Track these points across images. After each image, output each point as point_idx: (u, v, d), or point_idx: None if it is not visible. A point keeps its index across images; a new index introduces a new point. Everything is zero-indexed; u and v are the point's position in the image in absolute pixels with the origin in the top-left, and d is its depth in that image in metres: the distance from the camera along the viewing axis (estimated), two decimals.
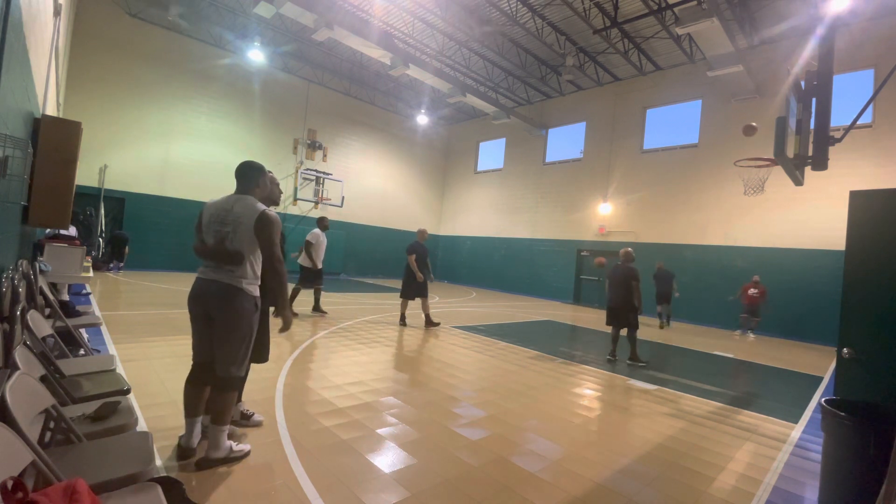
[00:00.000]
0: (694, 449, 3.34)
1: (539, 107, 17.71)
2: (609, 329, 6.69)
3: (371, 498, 2.28)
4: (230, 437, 2.61)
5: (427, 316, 7.81)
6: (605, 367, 5.97)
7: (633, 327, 6.22)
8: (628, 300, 6.15)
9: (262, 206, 2.49)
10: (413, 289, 7.65)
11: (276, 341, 5.63)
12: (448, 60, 14.75)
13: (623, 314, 6.22)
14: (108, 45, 12.37)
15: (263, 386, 3.89)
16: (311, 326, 6.92)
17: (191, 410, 2.52)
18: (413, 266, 7.54)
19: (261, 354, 2.95)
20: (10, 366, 1.73)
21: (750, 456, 3.29)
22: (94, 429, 1.91)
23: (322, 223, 8.22)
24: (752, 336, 10.65)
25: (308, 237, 8.04)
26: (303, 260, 8.07)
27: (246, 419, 3.05)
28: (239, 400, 3.04)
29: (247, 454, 2.57)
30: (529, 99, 17.67)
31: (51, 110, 6.49)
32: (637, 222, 14.27)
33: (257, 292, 2.53)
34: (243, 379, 2.69)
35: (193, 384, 2.53)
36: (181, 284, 10.21)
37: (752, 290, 10.81)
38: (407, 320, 7.88)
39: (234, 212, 2.44)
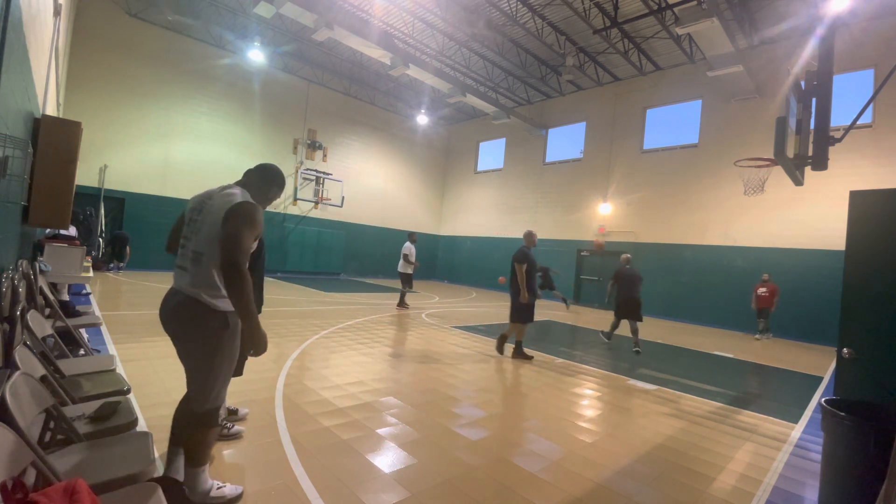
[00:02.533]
0: (694, 449, 3.34)
1: (539, 107, 17.71)
2: (612, 319, 7.60)
3: (371, 498, 2.28)
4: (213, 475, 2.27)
5: (519, 343, 5.99)
6: (605, 367, 5.97)
7: (641, 319, 7.27)
8: (638, 297, 7.30)
9: (242, 197, 2.00)
10: (524, 309, 5.86)
11: (276, 341, 5.62)
12: (448, 60, 14.74)
13: (639, 308, 7.24)
14: (108, 45, 12.36)
15: (263, 386, 3.89)
16: (310, 326, 6.92)
17: (174, 437, 2.26)
18: (521, 279, 5.74)
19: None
20: (10, 366, 1.73)
21: (750, 456, 3.29)
22: (94, 429, 1.91)
23: (412, 237, 10.20)
24: (762, 338, 10.16)
25: (405, 250, 9.98)
26: (401, 267, 10.01)
27: (233, 414, 3.06)
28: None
29: (235, 500, 2.11)
30: (529, 99, 17.67)
31: (51, 110, 6.49)
32: (637, 222, 14.27)
33: (227, 306, 1.95)
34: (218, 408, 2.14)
35: (180, 408, 2.28)
36: None
37: (761, 290, 10.26)
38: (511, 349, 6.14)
39: (212, 200, 2.00)
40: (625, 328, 7.92)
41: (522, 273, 5.74)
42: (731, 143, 12.13)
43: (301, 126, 16.81)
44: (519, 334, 5.99)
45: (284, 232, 16.36)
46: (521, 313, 5.88)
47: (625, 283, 7.34)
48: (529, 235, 6.17)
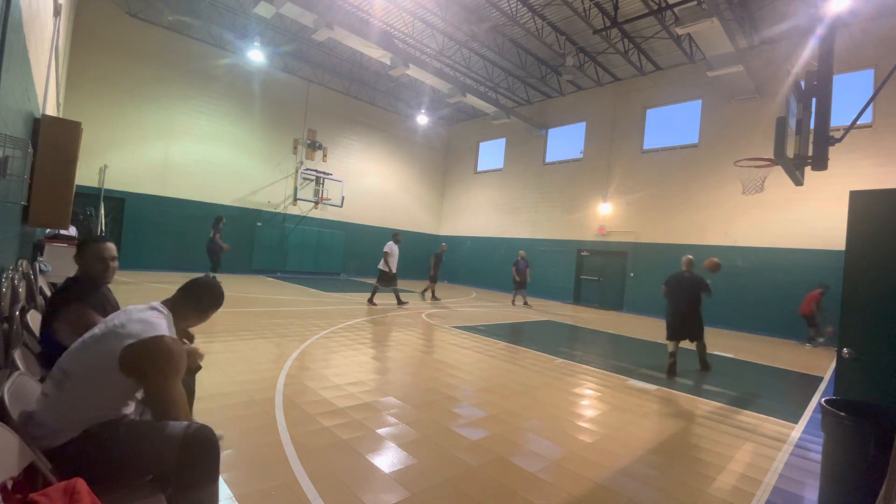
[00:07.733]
0: (694, 449, 3.34)
1: (539, 107, 17.70)
2: (669, 344, 6.14)
3: (371, 498, 2.28)
4: None
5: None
6: (605, 367, 5.97)
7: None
8: (698, 310, 6.10)
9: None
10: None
11: (276, 342, 5.63)
12: (448, 60, 14.74)
13: (697, 324, 6.12)
14: (108, 45, 12.35)
15: (263, 386, 3.89)
16: (310, 326, 6.92)
17: None
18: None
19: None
20: (10, 366, 1.73)
21: (750, 456, 3.29)
22: None
23: (396, 238, 10.49)
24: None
25: (385, 248, 10.28)
26: (381, 265, 10.25)
27: None
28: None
29: None
30: (529, 99, 17.66)
31: (51, 110, 6.49)
32: (637, 222, 14.27)
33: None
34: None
35: None
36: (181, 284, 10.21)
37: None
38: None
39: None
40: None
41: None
42: (731, 143, 12.13)
43: (301, 126, 16.80)
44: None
45: (284, 232, 16.35)
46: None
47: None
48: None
